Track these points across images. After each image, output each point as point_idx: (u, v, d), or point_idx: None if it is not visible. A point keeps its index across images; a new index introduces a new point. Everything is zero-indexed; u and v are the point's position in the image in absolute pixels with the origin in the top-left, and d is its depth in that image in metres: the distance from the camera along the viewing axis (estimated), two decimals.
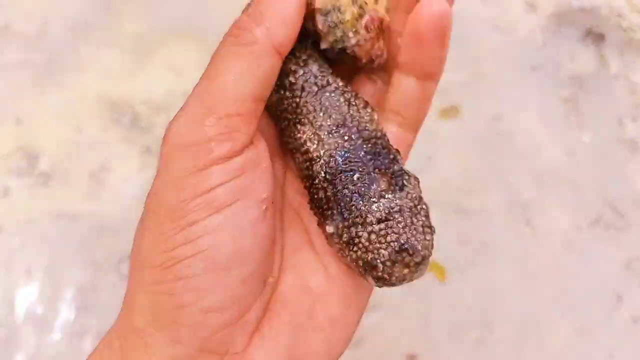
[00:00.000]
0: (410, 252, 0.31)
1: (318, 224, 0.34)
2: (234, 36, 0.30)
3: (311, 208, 0.34)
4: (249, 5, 0.31)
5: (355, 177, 0.32)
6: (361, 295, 0.36)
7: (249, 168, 0.30)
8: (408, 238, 0.32)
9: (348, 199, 0.31)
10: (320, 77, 0.34)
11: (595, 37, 1.09)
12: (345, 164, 0.32)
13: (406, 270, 0.32)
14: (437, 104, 1.01)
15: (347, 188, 0.32)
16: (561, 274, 0.92)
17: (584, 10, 1.10)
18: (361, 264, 0.31)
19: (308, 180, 0.33)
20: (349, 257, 0.32)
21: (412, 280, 0.33)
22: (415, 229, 0.32)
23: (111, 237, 0.85)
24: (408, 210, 0.33)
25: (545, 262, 0.93)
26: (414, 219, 0.33)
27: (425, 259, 0.32)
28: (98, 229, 0.86)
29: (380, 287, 0.33)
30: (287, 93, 0.33)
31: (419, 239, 0.32)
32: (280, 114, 0.34)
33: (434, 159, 0.97)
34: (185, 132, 0.29)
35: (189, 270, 0.27)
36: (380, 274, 0.31)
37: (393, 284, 0.32)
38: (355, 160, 0.32)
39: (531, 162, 0.99)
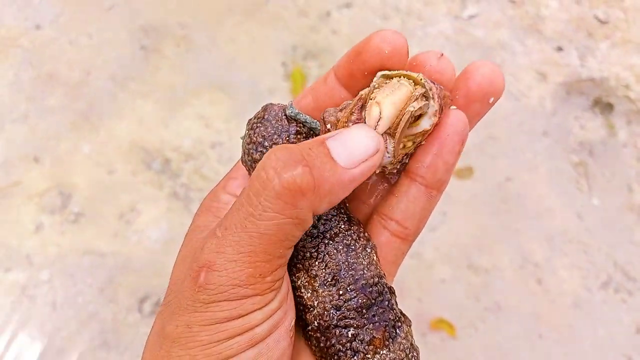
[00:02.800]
0: None
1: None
2: (278, 206, 0.28)
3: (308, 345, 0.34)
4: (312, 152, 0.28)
5: (349, 334, 0.32)
6: None
7: (283, 300, 0.31)
8: None
9: (342, 354, 0.32)
10: (322, 222, 0.33)
11: (604, 106, 1.13)
12: (340, 319, 0.32)
13: None
14: None
15: (341, 344, 0.32)
16: (571, 335, 0.93)
17: (592, 80, 1.15)
18: None
19: (301, 321, 0.33)
20: None
21: None
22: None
23: (135, 276, 0.88)
24: None
25: (556, 322, 0.94)
26: None
27: None
28: (122, 268, 0.90)
29: None
30: None
31: None
32: None
33: (448, 215, 1.01)
34: (227, 292, 0.29)
35: None
36: None
37: None
38: (350, 316, 0.32)
39: (542, 224, 1.01)
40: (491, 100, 0.34)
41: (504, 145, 1.08)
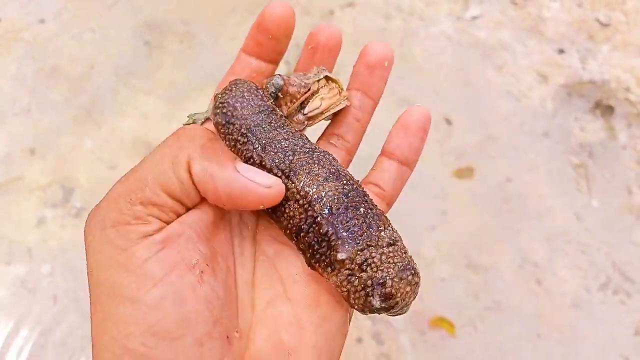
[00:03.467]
0: (413, 271, 0.36)
1: (310, 264, 0.36)
2: (172, 138, 0.34)
3: (305, 249, 0.36)
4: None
5: (361, 211, 0.36)
6: (333, 345, 0.37)
7: (170, 240, 0.32)
8: (410, 260, 0.36)
9: (358, 228, 0.35)
10: (309, 142, 0.39)
11: (605, 108, 1.14)
12: (351, 201, 0.36)
13: (408, 288, 0.35)
14: (452, 164, 1.05)
15: (356, 219, 0.35)
16: (571, 335, 0.93)
17: (593, 82, 1.16)
18: (370, 284, 0.34)
19: (305, 222, 0.36)
20: (357, 280, 0.35)
21: (410, 301, 0.36)
22: (411, 255, 0.37)
23: None
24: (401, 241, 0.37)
25: (555, 321, 0.94)
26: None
27: (419, 281, 0.37)
28: None
29: (384, 309, 0.35)
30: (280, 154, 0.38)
31: (415, 264, 0.37)
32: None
33: (448, 214, 1.01)
34: (107, 217, 0.31)
35: (144, 348, 0.28)
36: (388, 289, 0.34)
37: (396, 303, 0.35)
38: (358, 197, 0.36)
39: (542, 224, 1.02)
40: (386, 64, 0.43)
41: (505, 145, 1.09)
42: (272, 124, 0.38)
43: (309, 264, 0.36)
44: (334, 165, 0.38)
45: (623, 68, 1.17)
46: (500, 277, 0.97)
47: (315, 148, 0.38)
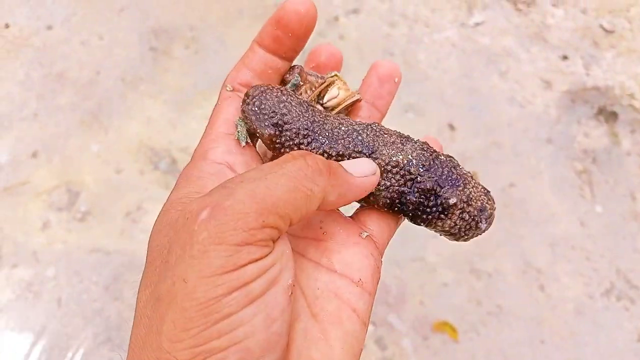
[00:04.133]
0: (488, 191, 0.42)
1: (416, 221, 0.41)
2: (299, 174, 0.32)
3: (413, 209, 0.40)
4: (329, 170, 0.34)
5: (442, 158, 0.40)
6: None
7: (278, 259, 0.31)
8: (487, 191, 0.42)
9: (450, 173, 0.39)
10: (355, 121, 0.43)
11: (608, 115, 1.14)
12: (431, 153, 0.40)
13: (493, 211, 0.41)
14: None
15: (444, 167, 0.40)
16: (573, 342, 0.93)
17: (597, 89, 1.16)
18: (476, 213, 0.40)
19: (405, 185, 0.39)
20: (467, 214, 0.40)
21: (491, 223, 0.42)
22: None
23: (140, 274, 0.89)
24: None
25: (557, 328, 0.94)
26: None
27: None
28: (128, 266, 0.91)
29: (486, 229, 0.41)
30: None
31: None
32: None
33: None
34: (228, 231, 0.28)
35: None
36: (489, 211, 0.41)
37: (493, 218, 0.41)
38: (429, 148, 0.41)
39: (545, 230, 1.02)
40: (396, 80, 0.44)
41: (508, 151, 1.09)
42: (320, 116, 0.40)
43: (416, 222, 0.40)
44: (393, 131, 0.41)
45: (627, 74, 1.17)
46: (503, 283, 0.97)
47: (366, 123, 0.41)
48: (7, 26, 1.14)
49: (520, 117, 1.13)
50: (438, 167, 0.39)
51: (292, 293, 0.32)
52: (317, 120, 0.39)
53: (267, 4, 1.22)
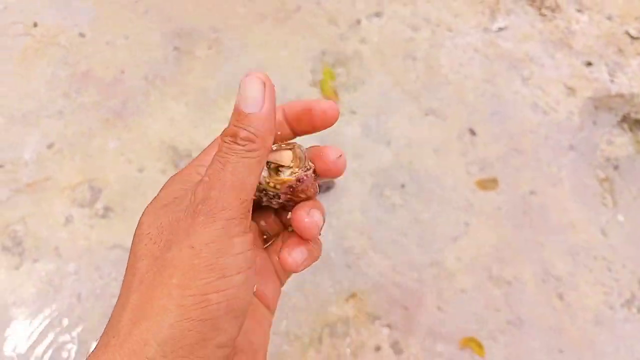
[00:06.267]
0: None
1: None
2: (243, 145, 0.35)
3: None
4: (238, 118, 0.36)
5: None
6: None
7: (254, 238, 0.38)
8: None
9: None
10: None
11: (632, 122, 1.13)
12: None
13: None
14: (476, 175, 1.05)
15: None
16: (592, 352, 0.92)
17: (622, 96, 1.15)
18: None
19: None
20: None
21: None
22: None
23: None
24: None
25: (577, 337, 0.93)
26: None
27: None
28: None
29: None
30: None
31: None
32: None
33: (470, 226, 1.01)
34: (218, 211, 0.33)
35: (216, 312, 0.32)
36: None
37: None
38: None
39: (565, 238, 1.01)
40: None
41: (529, 158, 1.08)
42: None
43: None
44: None
45: None
46: (522, 291, 0.96)
47: None
48: (35, 25, 1.17)
49: (542, 123, 1.12)
50: None
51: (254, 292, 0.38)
52: None
53: (289, 7, 1.23)
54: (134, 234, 0.36)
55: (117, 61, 1.13)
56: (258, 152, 0.36)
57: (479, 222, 1.01)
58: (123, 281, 0.35)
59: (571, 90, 1.15)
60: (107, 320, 0.34)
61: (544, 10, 1.25)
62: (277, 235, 0.45)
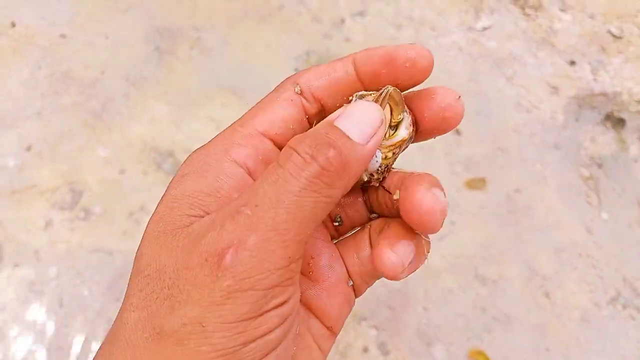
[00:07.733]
0: None
1: None
2: (317, 186, 0.26)
3: None
4: (334, 137, 0.26)
5: None
6: None
7: (295, 303, 0.27)
8: None
9: None
10: None
11: (616, 121, 1.13)
12: None
13: None
14: (461, 174, 1.05)
15: None
16: (578, 349, 0.92)
17: (605, 95, 1.15)
18: None
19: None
20: None
21: None
22: None
23: None
24: None
25: (563, 335, 0.93)
26: None
27: None
28: (130, 267, 0.90)
29: None
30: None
31: None
32: None
33: (456, 225, 1.00)
34: (256, 276, 0.25)
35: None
36: None
37: None
38: None
39: (550, 236, 1.01)
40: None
41: (514, 156, 1.08)
42: None
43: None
44: None
45: (635, 80, 1.16)
46: (508, 290, 0.96)
47: None
48: (13, 25, 1.14)
49: (526, 122, 1.12)
50: None
51: (295, 340, 0.29)
52: None
53: (272, 5, 1.22)
54: (133, 263, 0.29)
55: (97, 61, 1.11)
56: (337, 192, 0.26)
57: (464, 221, 1.01)
58: (114, 323, 0.28)
59: (555, 89, 1.16)
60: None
61: (527, 10, 1.26)
62: (355, 226, 0.35)
